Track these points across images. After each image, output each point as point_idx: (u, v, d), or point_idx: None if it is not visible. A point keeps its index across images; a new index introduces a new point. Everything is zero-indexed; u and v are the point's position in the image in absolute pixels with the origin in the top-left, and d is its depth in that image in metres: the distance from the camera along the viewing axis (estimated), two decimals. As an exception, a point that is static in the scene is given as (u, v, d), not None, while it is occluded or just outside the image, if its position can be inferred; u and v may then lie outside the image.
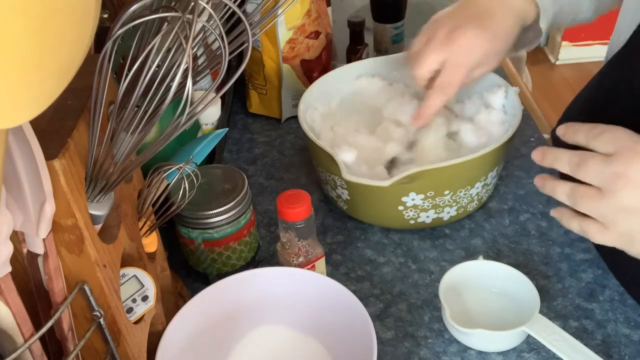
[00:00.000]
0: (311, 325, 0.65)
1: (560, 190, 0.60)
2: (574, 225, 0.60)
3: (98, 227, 0.50)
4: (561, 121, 0.84)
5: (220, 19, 0.49)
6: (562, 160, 0.61)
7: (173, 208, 0.64)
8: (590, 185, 0.57)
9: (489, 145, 0.76)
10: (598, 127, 0.59)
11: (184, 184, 0.62)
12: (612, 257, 0.74)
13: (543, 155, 0.63)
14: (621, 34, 0.71)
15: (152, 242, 0.63)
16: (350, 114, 0.92)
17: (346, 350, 0.61)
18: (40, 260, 0.45)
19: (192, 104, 0.45)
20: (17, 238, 0.44)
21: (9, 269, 0.40)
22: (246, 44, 0.48)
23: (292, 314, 0.65)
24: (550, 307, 0.71)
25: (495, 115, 0.84)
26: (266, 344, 0.66)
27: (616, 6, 0.81)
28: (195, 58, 0.62)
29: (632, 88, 0.67)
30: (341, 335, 0.61)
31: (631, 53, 0.69)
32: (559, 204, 0.61)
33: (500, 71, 1.11)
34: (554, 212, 0.63)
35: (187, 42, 0.40)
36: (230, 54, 0.50)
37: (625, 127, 0.59)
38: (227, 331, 0.65)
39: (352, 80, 0.93)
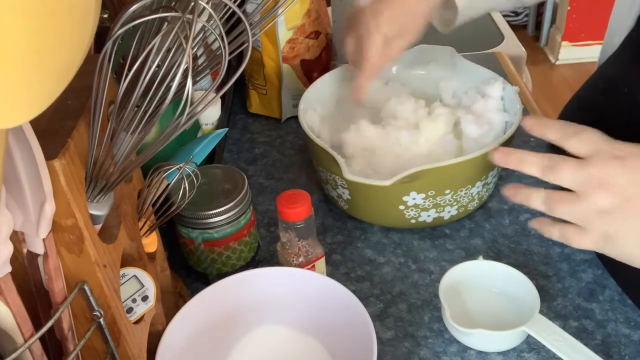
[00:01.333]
0: (311, 325, 0.65)
1: (536, 197, 0.60)
2: (555, 232, 0.59)
3: (98, 227, 0.50)
4: (562, 115, 0.84)
5: (220, 19, 0.49)
6: (530, 162, 0.60)
7: (173, 208, 0.63)
8: (564, 190, 0.57)
9: (490, 133, 0.75)
10: (571, 126, 0.59)
11: (184, 184, 0.62)
12: (612, 262, 0.74)
13: (507, 156, 0.62)
14: (614, 37, 0.72)
15: (152, 242, 0.63)
16: (350, 114, 0.92)
17: (346, 350, 0.61)
18: (40, 260, 0.45)
19: (192, 104, 0.45)
20: (17, 238, 0.44)
21: (9, 269, 0.40)
22: (246, 44, 0.48)
23: (292, 314, 0.65)
24: (550, 307, 0.71)
25: (492, 103, 0.84)
26: (266, 344, 0.66)
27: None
28: (195, 58, 0.62)
29: (626, 91, 0.67)
30: (341, 335, 0.61)
31: (624, 56, 0.69)
32: None
33: (500, 71, 1.11)
34: (532, 223, 0.63)
35: (187, 42, 0.40)
36: (230, 54, 0.50)
37: (620, 129, 0.59)
38: (227, 331, 0.65)
39: (351, 80, 0.93)
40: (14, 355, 0.41)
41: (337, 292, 0.62)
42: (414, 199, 0.76)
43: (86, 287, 0.47)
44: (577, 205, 0.56)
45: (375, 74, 0.82)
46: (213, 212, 0.69)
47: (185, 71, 0.41)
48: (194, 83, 0.65)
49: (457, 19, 0.82)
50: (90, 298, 0.48)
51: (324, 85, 0.90)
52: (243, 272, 0.65)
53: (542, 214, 0.80)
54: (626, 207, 0.54)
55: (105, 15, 0.79)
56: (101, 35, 0.40)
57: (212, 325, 0.64)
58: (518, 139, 0.94)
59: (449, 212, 0.79)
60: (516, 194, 0.62)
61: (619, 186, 0.54)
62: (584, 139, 0.57)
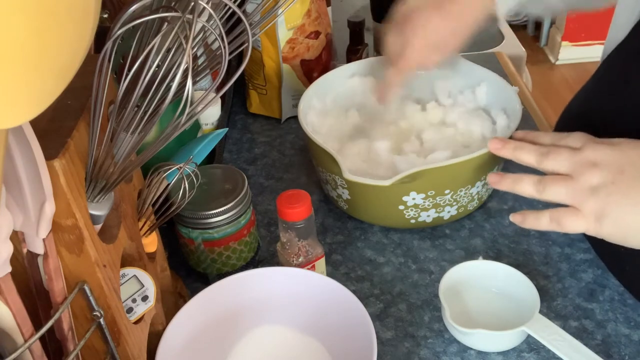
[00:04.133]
0: (311, 325, 0.65)
1: (527, 181, 0.60)
2: (544, 219, 0.60)
3: (98, 227, 0.50)
4: (560, 121, 0.84)
5: (220, 19, 0.49)
6: (526, 149, 0.61)
7: (173, 208, 0.63)
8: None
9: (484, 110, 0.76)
10: (562, 133, 0.62)
11: (184, 184, 0.62)
12: (611, 257, 0.74)
13: (502, 144, 0.63)
14: (618, 32, 0.71)
15: (152, 242, 0.63)
16: (349, 114, 0.92)
17: (346, 350, 0.61)
18: (40, 260, 0.45)
19: (192, 104, 0.45)
20: (17, 238, 0.44)
21: (9, 269, 0.40)
22: (246, 44, 0.48)
23: (292, 314, 0.65)
24: (550, 307, 0.71)
25: (480, 90, 0.87)
26: (266, 344, 0.66)
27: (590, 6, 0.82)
28: (195, 58, 0.62)
29: (628, 89, 0.67)
30: (341, 335, 0.61)
31: (626, 54, 0.69)
32: (557, 205, 0.61)
33: (500, 71, 1.11)
34: (514, 217, 0.63)
35: (187, 42, 0.40)
36: (230, 54, 0.50)
37: (621, 127, 0.60)
38: (227, 331, 0.65)
39: (352, 80, 0.93)
40: (14, 355, 0.41)
41: (337, 292, 0.62)
42: (413, 199, 0.76)
43: (86, 287, 0.47)
44: (571, 184, 0.57)
45: (407, 78, 0.81)
46: (213, 212, 0.69)
47: (185, 71, 0.41)
48: (194, 83, 0.65)
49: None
50: (90, 298, 0.48)
51: (324, 85, 0.90)
52: (243, 272, 0.65)
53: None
54: (618, 179, 0.55)
55: (105, 15, 0.79)
56: (101, 35, 0.40)
57: (212, 325, 0.64)
58: (518, 139, 0.94)
59: (448, 212, 0.79)
60: (501, 181, 0.63)
61: (610, 163, 0.56)
62: (575, 136, 0.60)
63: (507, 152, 0.63)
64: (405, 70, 0.79)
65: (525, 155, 0.61)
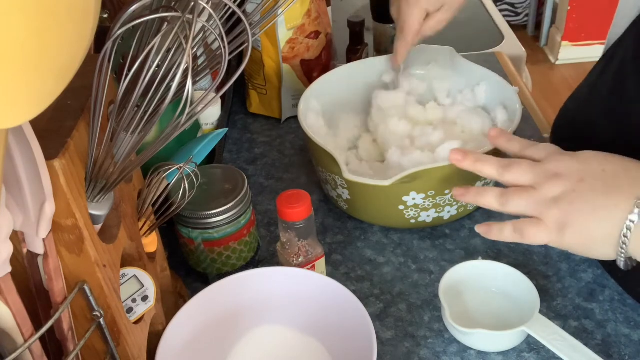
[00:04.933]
0: (311, 325, 0.65)
1: (489, 194, 0.60)
2: (507, 230, 0.59)
3: (98, 227, 0.50)
4: (557, 120, 0.84)
5: (220, 19, 0.49)
6: (488, 162, 0.61)
7: (173, 208, 0.63)
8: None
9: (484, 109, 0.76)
10: (530, 141, 0.62)
11: (184, 184, 0.62)
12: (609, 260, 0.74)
13: (464, 156, 0.62)
14: (618, 28, 0.71)
15: (152, 242, 0.63)
16: (350, 114, 0.92)
17: (346, 350, 0.61)
18: (40, 260, 0.45)
19: (192, 104, 0.45)
20: (17, 238, 0.44)
21: (9, 269, 0.40)
22: (246, 44, 0.48)
23: (292, 314, 0.65)
24: (550, 307, 0.71)
25: (479, 89, 0.88)
26: (266, 344, 0.66)
27: None
28: (195, 58, 0.62)
29: (624, 88, 0.67)
30: (341, 335, 0.61)
31: (623, 51, 0.69)
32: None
33: (500, 71, 1.11)
34: (479, 228, 0.62)
35: (187, 42, 0.40)
36: (230, 54, 0.50)
37: (617, 127, 0.59)
38: (227, 331, 0.65)
39: (351, 80, 0.93)
40: (14, 355, 0.41)
41: (337, 292, 0.62)
42: (413, 199, 0.76)
43: (86, 287, 0.47)
44: (533, 195, 0.57)
45: (414, 42, 0.86)
46: (213, 212, 0.69)
47: (185, 71, 0.41)
48: (194, 83, 0.65)
49: None
50: (90, 298, 0.48)
51: (324, 85, 0.90)
52: (243, 272, 0.65)
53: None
54: (579, 187, 0.55)
55: (105, 15, 0.79)
56: (101, 35, 0.40)
57: (212, 325, 0.64)
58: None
59: (448, 212, 0.79)
60: (466, 194, 0.62)
61: (571, 173, 0.56)
62: (540, 147, 0.61)
63: (468, 164, 0.62)
64: (409, 41, 0.85)
65: (487, 168, 0.61)
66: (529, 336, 0.66)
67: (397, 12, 0.86)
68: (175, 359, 0.59)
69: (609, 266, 0.74)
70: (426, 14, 0.84)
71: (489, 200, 0.60)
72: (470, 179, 0.76)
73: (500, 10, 2.61)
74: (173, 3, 0.46)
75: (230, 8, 0.50)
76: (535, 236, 0.57)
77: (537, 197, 0.57)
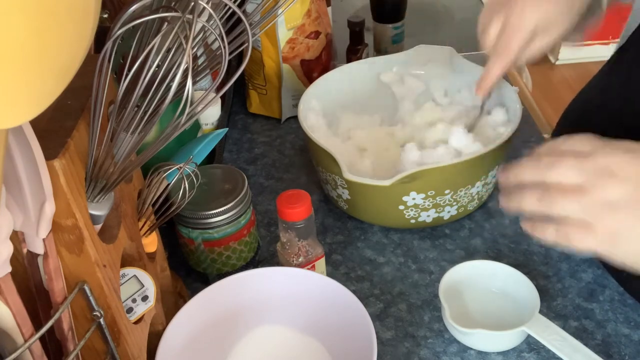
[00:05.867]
0: (311, 325, 0.65)
1: (530, 195, 0.53)
2: (549, 232, 0.52)
3: (98, 227, 0.50)
4: (561, 121, 0.84)
5: (220, 19, 0.49)
6: (529, 165, 0.54)
7: (173, 208, 0.63)
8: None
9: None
10: (558, 139, 0.55)
11: (184, 184, 0.62)
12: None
13: (506, 174, 0.55)
14: (632, 25, 0.70)
15: (152, 242, 0.63)
16: (349, 114, 0.92)
17: (346, 350, 0.61)
18: (40, 260, 0.45)
19: (192, 104, 0.45)
20: (17, 238, 0.44)
21: (9, 269, 0.40)
22: (246, 44, 0.48)
23: (292, 314, 0.65)
24: (550, 307, 0.71)
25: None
26: (266, 344, 0.66)
27: None
28: (195, 58, 0.62)
29: (629, 89, 0.67)
30: (341, 335, 0.61)
31: (629, 54, 0.69)
32: None
33: (500, 71, 1.11)
34: (524, 224, 0.55)
35: (187, 42, 0.40)
36: (230, 54, 0.50)
37: (621, 128, 0.57)
38: (227, 331, 0.65)
39: (352, 80, 0.93)
40: (14, 355, 0.41)
41: (337, 292, 0.62)
42: (413, 199, 0.76)
43: (86, 287, 0.47)
44: (583, 197, 0.50)
45: (505, 71, 0.73)
46: (213, 212, 0.69)
47: (185, 71, 0.41)
48: (194, 83, 0.65)
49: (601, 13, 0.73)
50: (90, 298, 0.48)
51: (324, 85, 0.90)
52: (243, 272, 0.65)
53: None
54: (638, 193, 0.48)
55: (105, 15, 0.79)
56: (101, 35, 0.40)
57: (212, 325, 0.64)
58: (518, 139, 0.94)
59: (448, 212, 0.79)
60: (509, 200, 0.55)
61: (630, 174, 0.49)
62: (579, 139, 0.53)
63: (512, 176, 0.55)
64: (507, 56, 0.70)
65: (530, 172, 0.53)
66: (529, 336, 0.66)
67: (497, 28, 0.71)
68: (176, 359, 0.59)
69: (610, 266, 0.74)
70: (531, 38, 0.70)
71: (529, 202, 0.52)
72: (470, 179, 0.76)
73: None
74: (173, 3, 0.46)
75: (230, 8, 0.50)
76: (582, 242, 0.50)
77: (588, 202, 0.50)
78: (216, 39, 0.44)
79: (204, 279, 0.75)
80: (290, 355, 0.65)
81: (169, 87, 0.42)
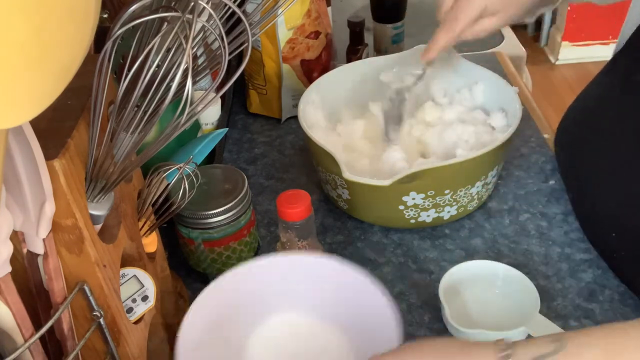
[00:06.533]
0: (331, 313, 0.64)
1: None
2: None
3: (98, 227, 0.50)
4: (562, 122, 0.84)
5: (220, 19, 0.49)
6: None
7: (173, 208, 0.63)
8: None
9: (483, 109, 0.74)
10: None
11: (184, 184, 0.62)
12: (612, 257, 0.74)
13: None
14: (628, 29, 0.71)
15: (152, 242, 0.63)
16: (349, 114, 0.92)
17: (365, 335, 0.60)
18: (40, 260, 0.45)
19: (192, 104, 0.45)
20: (17, 238, 0.44)
21: (9, 269, 0.40)
22: (246, 44, 0.48)
23: (312, 301, 0.64)
24: (550, 307, 0.71)
25: (477, 88, 0.87)
26: (286, 332, 0.64)
27: None
28: (195, 58, 0.62)
29: (630, 88, 0.67)
30: (360, 321, 0.60)
31: (629, 53, 0.69)
32: (558, 202, 0.58)
33: (501, 71, 1.11)
34: None
35: (187, 42, 0.40)
36: (230, 54, 0.50)
37: (622, 127, 0.58)
38: (246, 318, 0.63)
39: (352, 80, 0.93)
40: (14, 355, 0.41)
41: (358, 279, 0.61)
42: (413, 199, 0.76)
43: (86, 287, 0.47)
44: None
45: (457, 38, 0.77)
46: (213, 212, 0.69)
47: (185, 71, 0.41)
48: (194, 83, 0.65)
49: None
50: (90, 298, 0.48)
51: (324, 85, 0.90)
52: (264, 259, 0.63)
53: (541, 213, 0.80)
54: None
55: (105, 15, 0.79)
56: (101, 35, 0.40)
57: (231, 312, 0.62)
58: (518, 139, 0.94)
59: (448, 212, 0.79)
60: None
61: None
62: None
63: None
64: (454, 29, 0.74)
65: None
66: (529, 336, 0.66)
67: (449, 3, 0.76)
68: (195, 347, 0.58)
69: (613, 266, 0.74)
70: (480, 15, 0.74)
71: None
72: (470, 179, 0.76)
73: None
74: (173, 3, 0.46)
75: (230, 8, 0.50)
76: None
77: None
78: (216, 39, 0.44)
79: (204, 279, 0.75)
80: (310, 342, 0.63)
81: (168, 87, 0.42)
